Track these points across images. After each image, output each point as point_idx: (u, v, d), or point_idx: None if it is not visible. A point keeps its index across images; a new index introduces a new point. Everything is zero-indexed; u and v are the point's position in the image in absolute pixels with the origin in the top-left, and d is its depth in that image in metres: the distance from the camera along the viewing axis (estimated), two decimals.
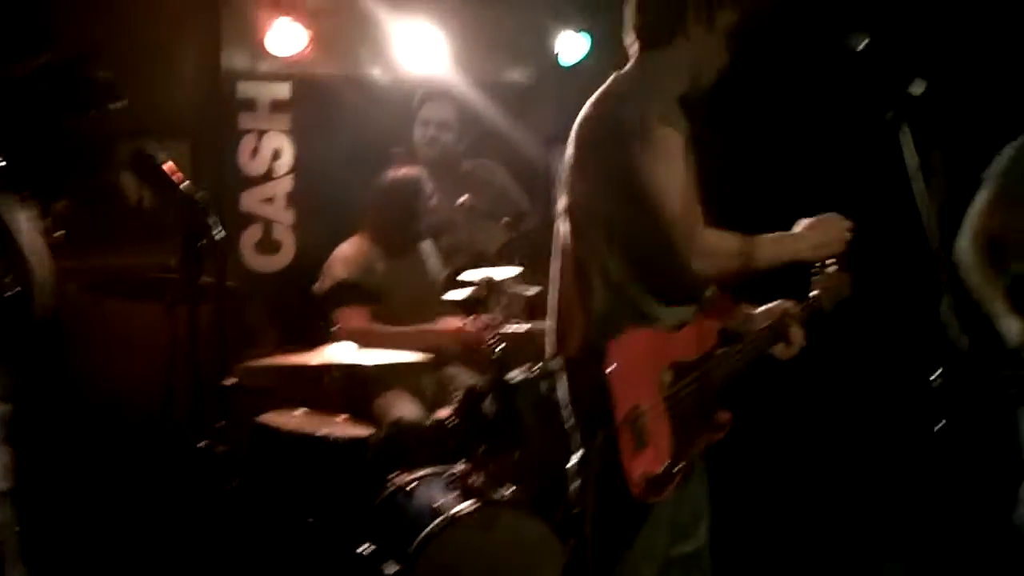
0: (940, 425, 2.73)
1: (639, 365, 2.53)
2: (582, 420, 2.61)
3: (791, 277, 2.82)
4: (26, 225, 1.98)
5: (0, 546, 2.20)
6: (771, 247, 2.66)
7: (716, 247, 2.56)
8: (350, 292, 4.36)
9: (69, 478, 4.25)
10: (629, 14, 2.72)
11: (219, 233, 2.22)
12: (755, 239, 2.63)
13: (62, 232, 2.66)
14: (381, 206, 4.58)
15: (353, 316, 4.32)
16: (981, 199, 3.48)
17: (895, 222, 3.28)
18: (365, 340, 3.98)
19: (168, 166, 2.21)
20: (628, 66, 2.73)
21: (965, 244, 3.47)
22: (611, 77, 2.71)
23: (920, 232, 2.30)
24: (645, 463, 2.48)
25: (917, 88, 2.23)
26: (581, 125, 2.72)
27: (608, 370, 2.45)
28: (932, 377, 2.98)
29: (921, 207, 2.16)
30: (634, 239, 2.55)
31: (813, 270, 2.95)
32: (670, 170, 2.50)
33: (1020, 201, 3.41)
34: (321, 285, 4.47)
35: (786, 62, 4.58)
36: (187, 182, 2.15)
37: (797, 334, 2.84)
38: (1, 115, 2.30)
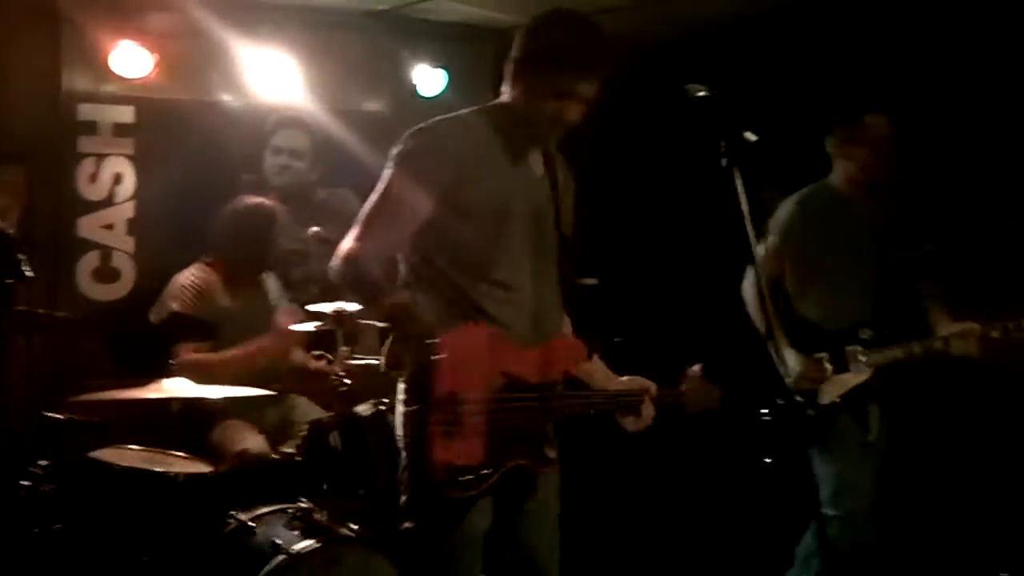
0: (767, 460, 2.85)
1: (472, 359, 2.55)
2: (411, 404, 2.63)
3: None
4: None
5: None
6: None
7: (362, 278, 2.59)
8: (187, 325, 4.21)
9: None
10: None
11: (28, 271, 2.12)
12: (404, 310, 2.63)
13: None
14: (231, 235, 4.44)
15: (190, 353, 4.17)
16: (764, 247, 3.90)
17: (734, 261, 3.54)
18: (200, 375, 3.86)
19: None
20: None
21: (748, 285, 3.92)
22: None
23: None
24: (450, 452, 2.49)
25: (750, 136, 2.32)
26: None
27: (437, 354, 2.49)
28: (762, 412, 3.15)
29: (752, 248, 2.25)
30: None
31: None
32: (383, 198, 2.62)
33: (792, 255, 3.90)
34: (158, 315, 4.32)
35: (633, 110, 4.76)
36: None
37: (648, 413, 2.88)
38: None
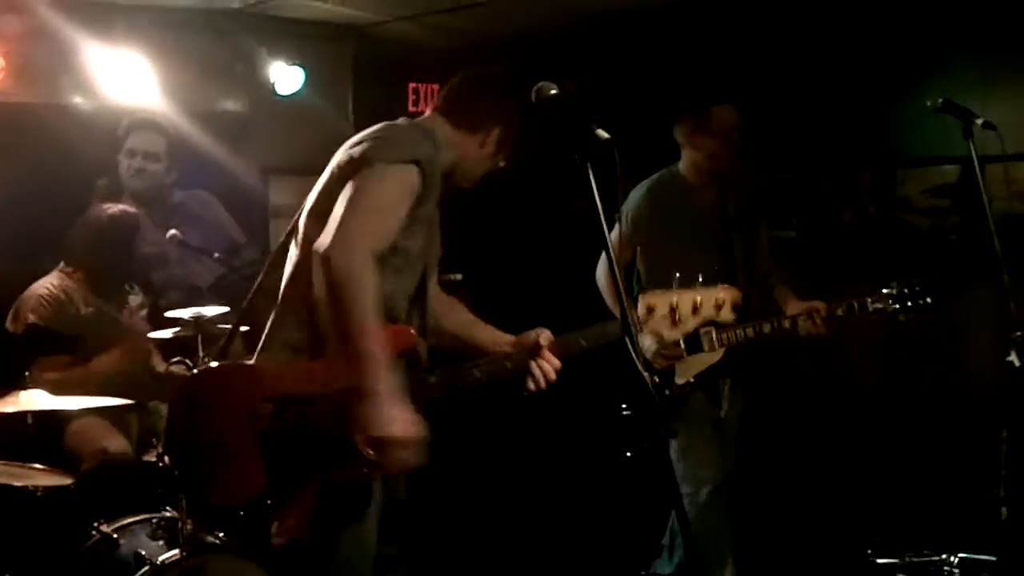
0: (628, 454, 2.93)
1: (219, 398, 2.68)
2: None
3: None
4: None
5: None
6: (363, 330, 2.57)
7: (358, 271, 2.54)
8: (45, 338, 4.10)
9: None
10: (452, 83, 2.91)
11: None
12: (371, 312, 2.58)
13: None
14: (93, 245, 4.35)
15: (49, 367, 4.07)
16: (615, 233, 3.88)
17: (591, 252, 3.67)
18: (60, 390, 3.76)
19: None
20: (420, 118, 2.90)
21: (601, 271, 4.06)
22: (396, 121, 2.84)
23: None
24: (222, 493, 2.66)
25: (602, 133, 2.40)
26: (340, 153, 2.79)
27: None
28: (622, 408, 3.23)
29: (606, 237, 2.35)
30: None
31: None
32: (382, 193, 2.64)
33: (642, 240, 4.05)
34: (14, 326, 4.20)
35: None
36: None
37: (548, 367, 2.93)
38: None
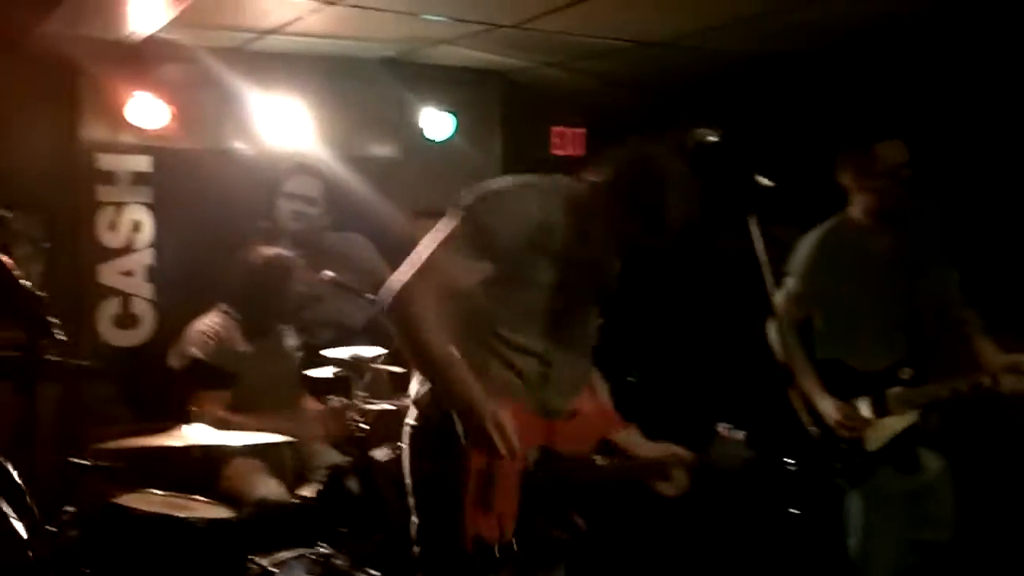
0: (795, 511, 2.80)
1: (507, 432, 2.57)
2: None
3: None
4: None
5: None
6: (459, 381, 2.57)
7: (414, 317, 2.55)
8: (206, 372, 4.26)
9: None
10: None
11: (60, 335, 2.17)
12: (455, 362, 2.57)
13: None
14: (247, 288, 4.50)
15: (210, 401, 4.21)
16: (785, 291, 3.74)
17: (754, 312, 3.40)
18: (223, 427, 3.90)
19: (8, 262, 2.16)
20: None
21: (774, 332, 3.67)
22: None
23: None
24: (482, 525, 2.54)
25: (765, 181, 2.34)
26: None
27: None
28: (787, 462, 3.09)
29: (771, 296, 2.26)
30: None
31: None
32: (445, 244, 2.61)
33: (816, 296, 3.71)
34: (177, 361, 4.37)
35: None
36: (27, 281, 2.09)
37: (682, 479, 2.88)
38: None
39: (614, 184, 2.66)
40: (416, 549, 2.71)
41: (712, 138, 2.44)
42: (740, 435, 2.83)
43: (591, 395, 2.91)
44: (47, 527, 3.60)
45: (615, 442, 2.86)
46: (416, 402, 2.76)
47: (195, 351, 4.31)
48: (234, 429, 3.89)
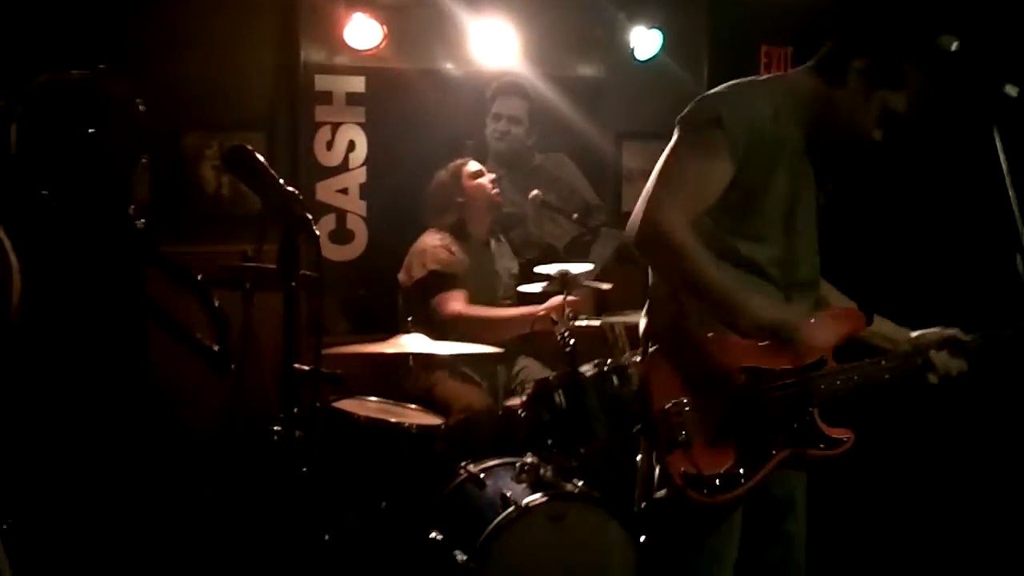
0: None
1: (699, 364, 2.58)
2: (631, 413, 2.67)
3: None
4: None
5: None
6: (723, 288, 2.53)
7: (675, 239, 2.48)
8: (445, 280, 4.40)
9: (141, 463, 4.33)
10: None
11: (316, 230, 2.28)
12: (734, 286, 2.53)
13: (143, 220, 2.76)
14: (439, 199, 4.63)
15: (454, 300, 4.36)
16: None
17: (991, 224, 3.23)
18: (467, 324, 4.10)
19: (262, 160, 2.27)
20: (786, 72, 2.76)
21: None
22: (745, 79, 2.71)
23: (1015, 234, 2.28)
24: (686, 461, 2.52)
25: (1011, 90, 2.21)
26: None
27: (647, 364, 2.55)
28: None
29: (1016, 209, 2.14)
30: None
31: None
32: (678, 158, 2.56)
33: None
34: (409, 276, 4.51)
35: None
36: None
37: (950, 365, 2.78)
38: (28, 122, 2.42)
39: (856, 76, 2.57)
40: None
41: (956, 45, 2.31)
42: None
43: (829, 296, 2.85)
44: (273, 427, 3.84)
45: (866, 337, 2.79)
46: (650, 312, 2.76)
47: (432, 264, 4.44)
48: (475, 324, 4.05)
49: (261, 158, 2.18)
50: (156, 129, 2.74)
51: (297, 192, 2.18)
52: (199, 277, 2.82)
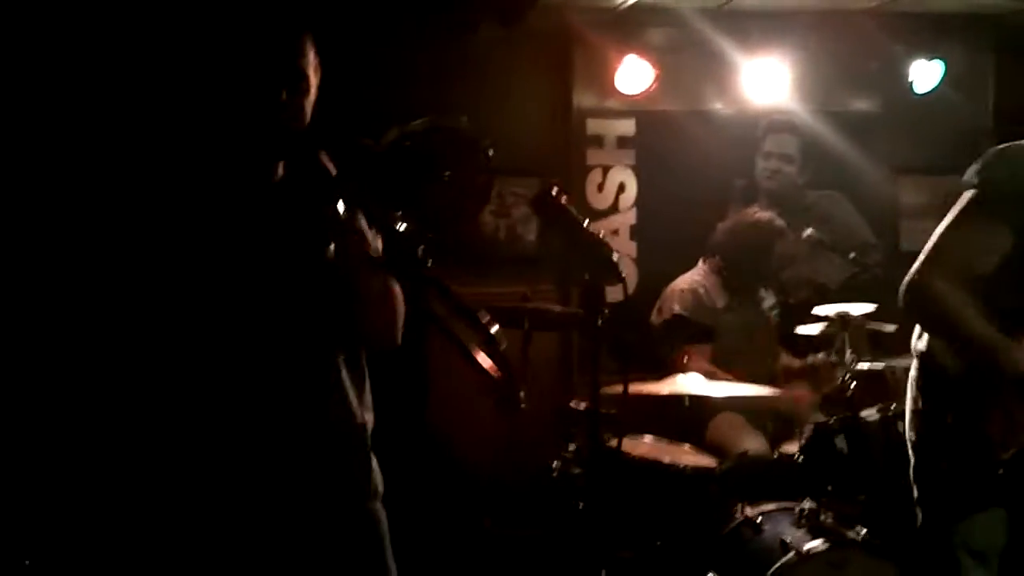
0: None
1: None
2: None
3: None
4: None
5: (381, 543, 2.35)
6: (984, 339, 2.48)
7: (934, 295, 2.49)
8: (687, 327, 4.41)
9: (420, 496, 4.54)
10: None
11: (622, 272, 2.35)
12: (975, 322, 2.48)
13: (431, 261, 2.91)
14: (733, 247, 4.62)
15: (695, 355, 4.34)
16: None
17: None
18: (711, 379, 4.03)
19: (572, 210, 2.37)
20: None
21: None
22: None
23: None
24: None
25: None
26: None
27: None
28: None
29: None
30: None
31: None
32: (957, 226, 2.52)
33: None
34: (659, 317, 4.56)
35: None
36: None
37: None
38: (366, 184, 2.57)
39: None
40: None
41: None
42: None
43: None
44: (550, 463, 3.95)
45: None
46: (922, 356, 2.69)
47: (677, 307, 4.48)
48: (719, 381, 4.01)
49: (566, 202, 2.26)
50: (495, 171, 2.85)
51: (606, 240, 2.25)
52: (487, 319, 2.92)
